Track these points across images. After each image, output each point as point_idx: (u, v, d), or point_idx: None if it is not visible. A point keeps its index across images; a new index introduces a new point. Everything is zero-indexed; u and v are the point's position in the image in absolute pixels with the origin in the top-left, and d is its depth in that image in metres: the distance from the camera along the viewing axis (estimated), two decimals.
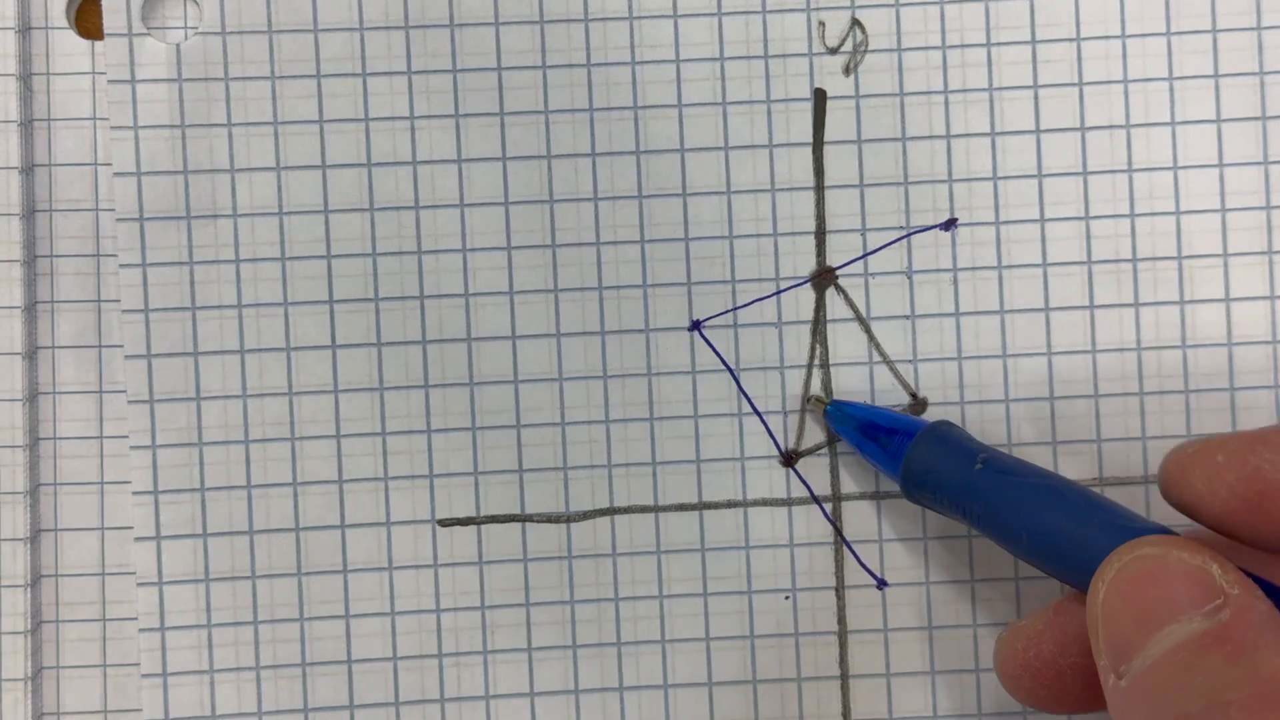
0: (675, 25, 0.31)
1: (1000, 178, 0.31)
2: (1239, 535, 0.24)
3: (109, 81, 0.30)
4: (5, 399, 0.31)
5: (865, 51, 0.31)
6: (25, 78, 0.30)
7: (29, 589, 0.31)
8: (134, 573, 0.31)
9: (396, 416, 0.31)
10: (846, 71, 0.31)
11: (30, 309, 0.31)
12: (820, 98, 0.31)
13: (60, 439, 0.31)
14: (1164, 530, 0.25)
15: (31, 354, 0.31)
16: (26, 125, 0.31)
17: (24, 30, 0.30)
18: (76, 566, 0.31)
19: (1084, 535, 0.25)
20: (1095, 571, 0.24)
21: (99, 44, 0.31)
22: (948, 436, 0.28)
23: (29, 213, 0.31)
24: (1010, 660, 0.27)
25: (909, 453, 0.28)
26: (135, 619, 0.31)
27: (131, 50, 0.30)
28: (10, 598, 0.31)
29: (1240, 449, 0.24)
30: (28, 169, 0.30)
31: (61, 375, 0.31)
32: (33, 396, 0.31)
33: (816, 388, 0.31)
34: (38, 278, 0.31)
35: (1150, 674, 0.22)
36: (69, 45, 0.31)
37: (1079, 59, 0.31)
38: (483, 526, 0.31)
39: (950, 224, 0.31)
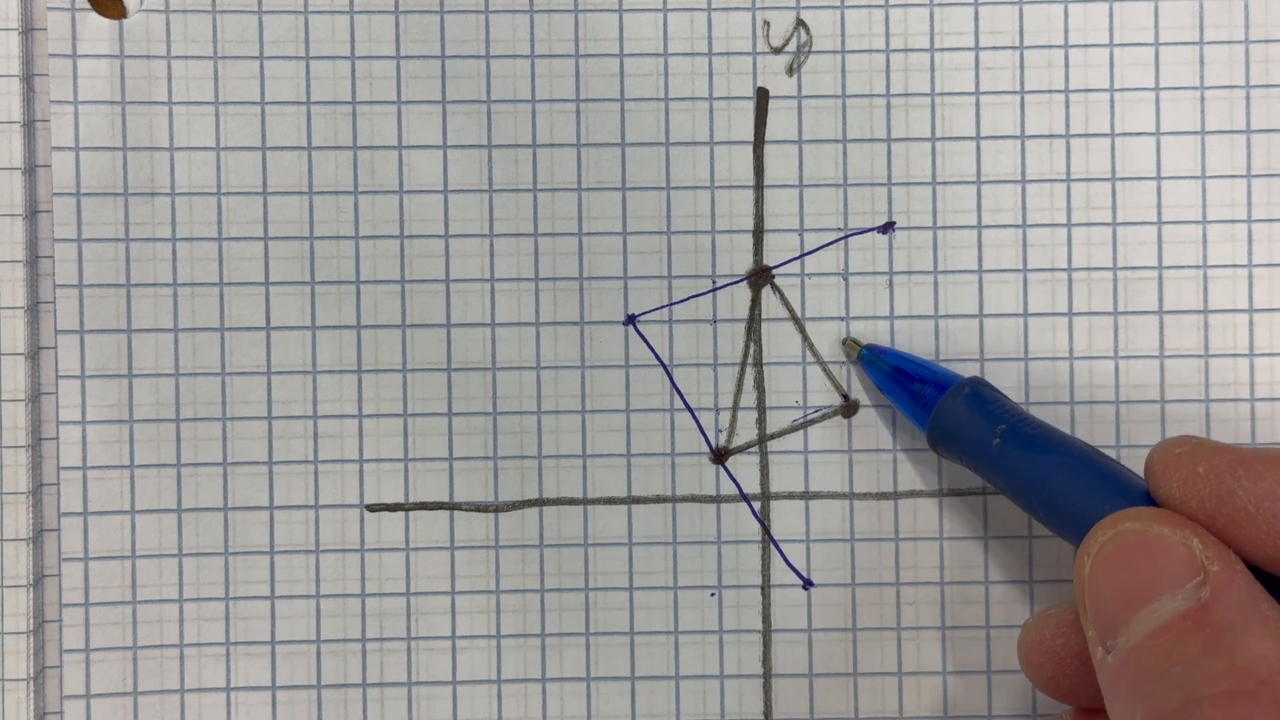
0: (620, 20, 0.31)
1: (939, 183, 0.31)
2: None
3: (50, 55, 0.30)
4: (8, 399, 0.31)
5: (809, 52, 0.31)
6: (28, 78, 0.31)
7: (31, 589, 0.31)
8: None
9: (328, 400, 0.31)
10: (790, 72, 0.31)
11: (33, 309, 0.31)
12: (762, 97, 0.31)
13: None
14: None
15: (34, 354, 0.31)
16: (29, 125, 0.31)
17: (26, 31, 0.31)
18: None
19: (1097, 514, 0.25)
20: (1081, 544, 0.24)
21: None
22: (975, 398, 0.28)
23: (31, 212, 0.31)
24: (1035, 647, 0.27)
25: (936, 411, 0.29)
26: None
27: (74, 25, 0.30)
28: (12, 597, 0.31)
29: (1221, 467, 0.24)
30: (30, 169, 0.31)
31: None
32: (35, 396, 0.31)
33: (749, 387, 0.31)
34: (39, 278, 0.31)
35: (1133, 657, 0.23)
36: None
37: (1021, 67, 0.31)
38: (410, 513, 0.31)
39: (888, 227, 0.31)
